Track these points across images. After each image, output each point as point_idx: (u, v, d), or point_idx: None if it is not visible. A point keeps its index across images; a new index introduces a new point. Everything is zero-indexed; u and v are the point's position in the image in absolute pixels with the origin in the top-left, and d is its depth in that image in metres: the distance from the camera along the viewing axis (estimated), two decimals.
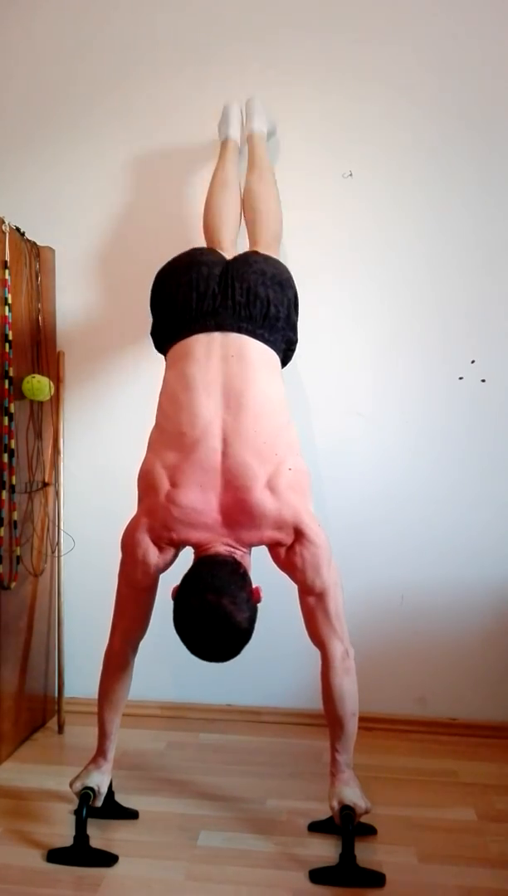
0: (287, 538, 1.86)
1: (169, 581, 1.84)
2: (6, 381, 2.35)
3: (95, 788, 1.96)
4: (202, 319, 1.99)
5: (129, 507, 1.95)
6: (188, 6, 2.66)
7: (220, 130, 2.56)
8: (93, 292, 2.75)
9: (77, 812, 1.93)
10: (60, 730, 2.64)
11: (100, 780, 1.98)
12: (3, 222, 2.36)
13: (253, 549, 1.92)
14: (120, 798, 2.10)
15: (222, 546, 1.86)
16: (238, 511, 1.85)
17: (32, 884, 1.81)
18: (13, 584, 2.39)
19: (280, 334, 2.04)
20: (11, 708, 2.46)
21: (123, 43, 2.69)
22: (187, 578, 1.79)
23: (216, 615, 1.71)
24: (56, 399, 2.65)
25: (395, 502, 2.63)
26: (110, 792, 2.06)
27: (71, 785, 1.99)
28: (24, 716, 2.54)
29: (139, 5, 2.68)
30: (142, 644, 2.02)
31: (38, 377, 2.47)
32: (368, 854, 1.88)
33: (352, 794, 1.89)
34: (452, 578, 2.62)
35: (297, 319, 2.12)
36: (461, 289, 2.58)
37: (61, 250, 2.72)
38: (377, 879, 1.81)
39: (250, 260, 2.11)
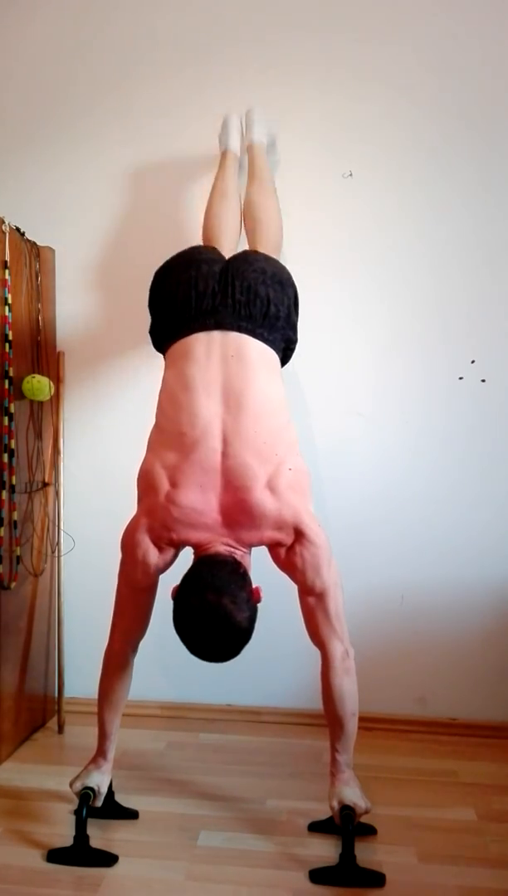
0: (287, 538, 1.86)
1: (169, 581, 1.84)
2: (6, 381, 2.35)
3: (95, 788, 1.96)
4: (202, 318, 1.98)
5: (129, 507, 1.95)
6: (188, 6, 2.66)
7: (220, 141, 2.56)
8: (93, 292, 2.75)
9: (77, 812, 1.93)
10: (60, 730, 2.64)
11: (100, 780, 1.98)
12: (3, 222, 2.36)
13: (253, 549, 1.92)
14: (120, 798, 2.10)
15: (221, 546, 1.86)
16: (238, 511, 1.85)
17: (32, 884, 1.81)
18: (13, 584, 2.39)
19: (280, 333, 2.03)
20: (11, 708, 2.46)
21: (124, 43, 2.69)
22: (187, 578, 1.79)
23: (217, 615, 1.71)
24: (56, 399, 2.65)
25: (395, 502, 2.63)
26: (110, 792, 2.06)
27: (71, 785, 1.99)
28: (24, 716, 2.54)
29: (139, 6, 2.68)
30: (142, 644, 2.01)
31: (38, 377, 2.48)
32: (368, 854, 1.88)
33: (352, 794, 1.89)
34: (452, 578, 2.62)
35: (297, 319, 2.12)
36: (461, 289, 2.58)
37: (61, 250, 2.72)
38: (377, 879, 1.81)
39: (250, 258, 2.10)
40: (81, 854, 1.88)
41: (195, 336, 1.97)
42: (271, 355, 2.02)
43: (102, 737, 2.01)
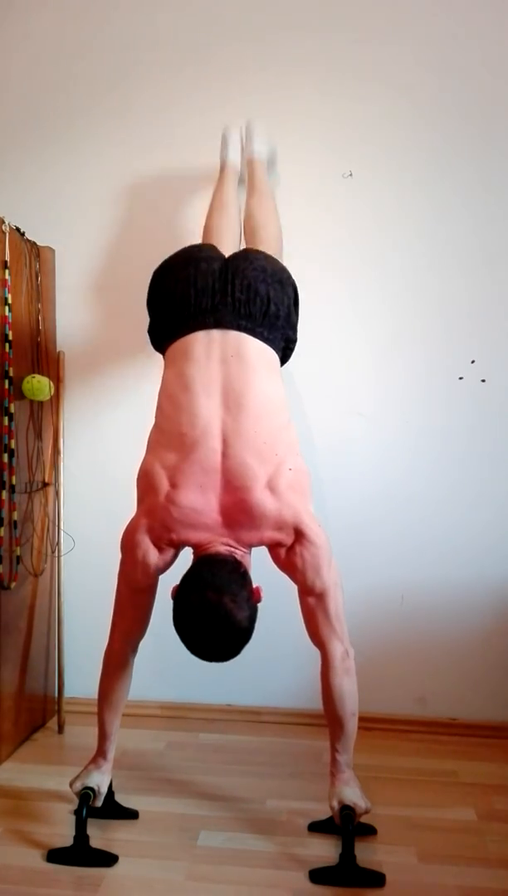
0: (287, 539, 1.86)
1: (169, 581, 1.84)
2: (6, 381, 2.35)
3: (95, 788, 1.96)
4: (201, 316, 1.96)
5: (129, 507, 1.95)
6: (188, 6, 2.66)
7: (219, 155, 2.53)
8: (93, 292, 2.75)
9: (77, 812, 1.93)
10: (60, 730, 2.64)
11: (100, 780, 1.98)
12: (3, 222, 2.36)
13: (253, 549, 1.92)
14: (120, 798, 2.10)
15: (222, 546, 1.85)
16: (238, 511, 1.85)
17: (32, 884, 1.81)
18: (13, 584, 2.39)
19: (280, 332, 2.02)
20: (11, 708, 2.46)
21: (123, 43, 2.69)
22: (187, 577, 1.79)
23: (217, 614, 1.71)
24: (56, 399, 2.65)
25: (395, 502, 2.63)
26: (110, 792, 2.06)
27: (71, 785, 1.99)
28: (24, 716, 2.54)
29: (139, 5, 2.68)
30: (142, 644, 2.01)
31: (38, 377, 2.47)
32: (368, 854, 1.88)
33: (352, 794, 1.89)
34: (452, 578, 2.62)
35: (297, 319, 2.11)
36: (461, 289, 2.58)
37: (61, 250, 2.72)
38: (377, 879, 1.81)
39: (250, 257, 2.09)
40: (81, 854, 1.88)
41: (195, 335, 1.96)
42: (271, 355, 2.01)
43: (102, 737, 2.01)
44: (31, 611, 2.58)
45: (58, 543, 2.66)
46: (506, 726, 2.59)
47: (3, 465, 2.34)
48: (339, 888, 1.79)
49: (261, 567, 1.89)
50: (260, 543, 1.88)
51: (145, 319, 2.13)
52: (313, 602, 1.89)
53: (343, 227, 2.61)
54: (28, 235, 2.52)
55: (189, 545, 1.90)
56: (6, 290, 2.35)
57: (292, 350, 2.12)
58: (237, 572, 1.79)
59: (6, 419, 2.35)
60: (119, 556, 1.94)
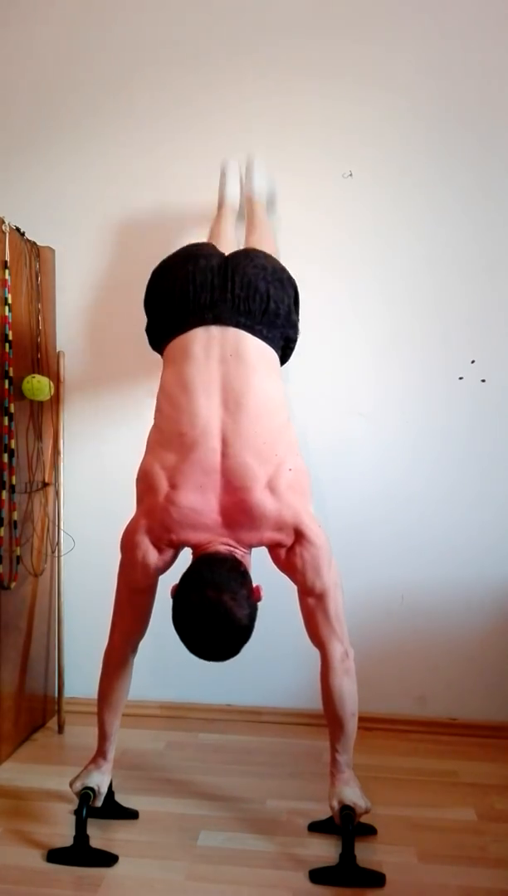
0: (287, 539, 1.86)
1: (169, 581, 1.84)
2: (6, 381, 2.35)
3: (95, 788, 1.96)
4: (200, 312, 1.95)
5: (129, 507, 1.95)
6: (190, 10, 2.66)
7: (218, 191, 2.50)
8: (93, 292, 2.75)
9: (77, 812, 1.93)
10: (60, 730, 2.64)
11: (100, 780, 1.98)
12: (4, 222, 2.36)
13: (253, 549, 1.92)
14: (120, 798, 2.10)
15: (221, 545, 1.85)
16: (238, 511, 1.84)
17: (32, 884, 1.81)
18: (13, 584, 2.39)
19: (279, 331, 2.01)
20: (11, 708, 2.46)
21: (125, 46, 2.69)
22: (187, 576, 1.78)
23: (216, 612, 1.70)
24: (56, 399, 2.65)
25: (395, 502, 2.63)
26: (110, 792, 2.06)
27: (71, 785, 1.99)
28: (24, 716, 2.54)
29: (141, 10, 2.68)
30: (142, 644, 2.01)
31: (38, 377, 2.47)
32: (368, 854, 1.88)
33: (352, 793, 1.89)
34: (452, 578, 2.62)
35: (298, 318, 2.10)
36: (461, 289, 2.58)
37: (61, 250, 2.73)
38: (377, 879, 1.81)
39: (250, 255, 2.08)
40: (81, 854, 1.88)
41: (194, 332, 1.95)
42: (271, 354, 2.00)
43: (102, 737, 2.01)
44: (31, 611, 2.58)
45: (58, 543, 2.66)
46: (506, 726, 2.59)
47: (3, 465, 2.34)
48: (339, 888, 1.79)
49: (261, 567, 1.89)
50: (260, 544, 1.88)
51: (145, 319, 2.13)
52: (312, 602, 1.89)
53: (344, 229, 2.61)
54: (28, 235, 2.52)
55: (189, 546, 1.89)
56: (6, 290, 2.35)
57: (292, 350, 2.11)
58: (237, 571, 1.79)
59: (6, 419, 2.35)
60: (119, 556, 1.94)
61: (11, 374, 2.37)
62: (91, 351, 2.74)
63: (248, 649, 1.77)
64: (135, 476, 1.95)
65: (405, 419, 2.62)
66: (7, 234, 2.36)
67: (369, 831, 1.98)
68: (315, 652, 1.92)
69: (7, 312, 2.35)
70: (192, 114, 2.66)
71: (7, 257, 2.36)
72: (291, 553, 1.86)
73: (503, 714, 2.61)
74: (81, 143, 2.72)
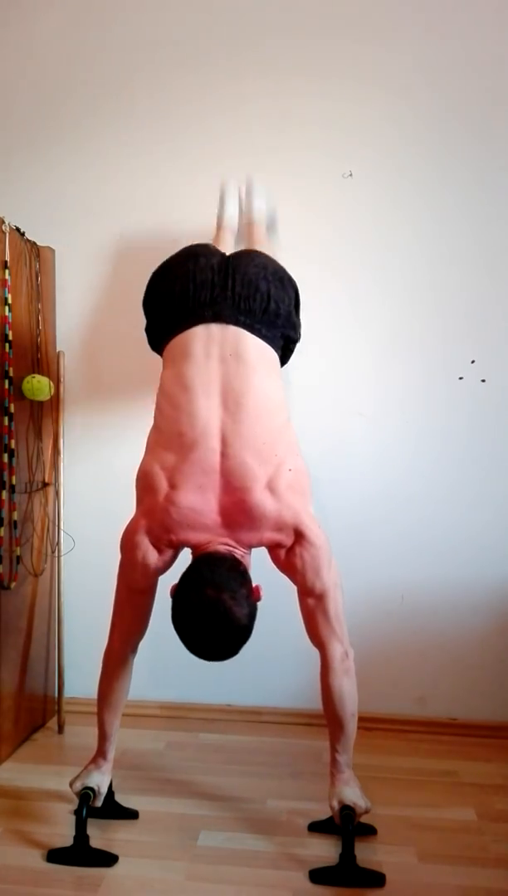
0: (287, 539, 1.85)
1: (168, 581, 1.84)
2: (6, 381, 2.35)
3: (95, 788, 1.96)
4: (200, 310, 1.94)
5: (129, 507, 1.95)
6: (190, 10, 2.65)
7: (217, 213, 2.47)
8: (93, 292, 2.75)
9: (77, 812, 1.93)
10: (60, 730, 2.64)
11: (100, 780, 1.98)
12: (4, 222, 2.36)
13: (253, 549, 1.92)
14: (120, 798, 2.10)
15: (221, 545, 1.85)
16: (238, 512, 1.84)
17: (32, 884, 1.81)
18: (13, 584, 2.39)
19: (279, 331, 2.01)
20: (11, 708, 2.46)
21: (125, 46, 2.69)
22: (186, 575, 1.78)
23: (216, 611, 1.70)
24: (56, 399, 2.65)
25: (395, 502, 2.63)
26: (110, 792, 2.06)
27: (71, 785, 1.99)
28: (24, 716, 2.54)
29: (141, 10, 2.68)
30: (142, 644, 2.01)
31: (38, 377, 2.47)
32: (368, 854, 1.88)
33: (352, 793, 1.89)
34: (452, 578, 2.62)
35: (299, 319, 2.10)
36: (460, 289, 2.58)
37: (61, 250, 2.72)
38: (377, 879, 1.81)
39: (251, 254, 2.08)
40: (81, 854, 1.88)
41: (193, 331, 1.94)
42: (271, 354, 2.00)
43: (102, 737, 2.01)
44: (31, 611, 2.58)
45: (58, 543, 2.66)
46: (506, 726, 2.59)
47: (3, 465, 2.34)
48: (339, 888, 1.79)
49: (261, 567, 1.89)
50: (260, 544, 1.88)
51: (145, 319, 2.12)
52: (312, 603, 1.89)
53: (343, 229, 2.61)
54: (28, 235, 2.52)
55: (188, 546, 1.89)
56: (6, 290, 2.35)
57: (292, 350, 2.11)
58: (237, 570, 1.79)
59: (6, 419, 2.35)
60: (119, 556, 1.94)
61: (11, 374, 2.37)
62: (91, 351, 2.74)
63: (248, 649, 1.77)
64: (135, 476, 1.95)
65: (405, 419, 2.62)
66: (7, 234, 2.36)
67: (369, 831, 1.98)
68: (315, 652, 1.92)
69: (7, 312, 2.35)
70: (192, 114, 2.66)
71: (7, 257, 2.36)
72: (290, 553, 1.86)
73: (503, 714, 2.61)
74: (81, 143, 2.72)
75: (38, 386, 2.46)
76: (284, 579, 1.90)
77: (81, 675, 2.55)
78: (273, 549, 1.88)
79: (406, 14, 2.56)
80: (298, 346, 2.12)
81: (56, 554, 2.66)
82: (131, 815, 2.08)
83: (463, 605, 2.62)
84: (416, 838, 1.98)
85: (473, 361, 2.59)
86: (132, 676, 2.02)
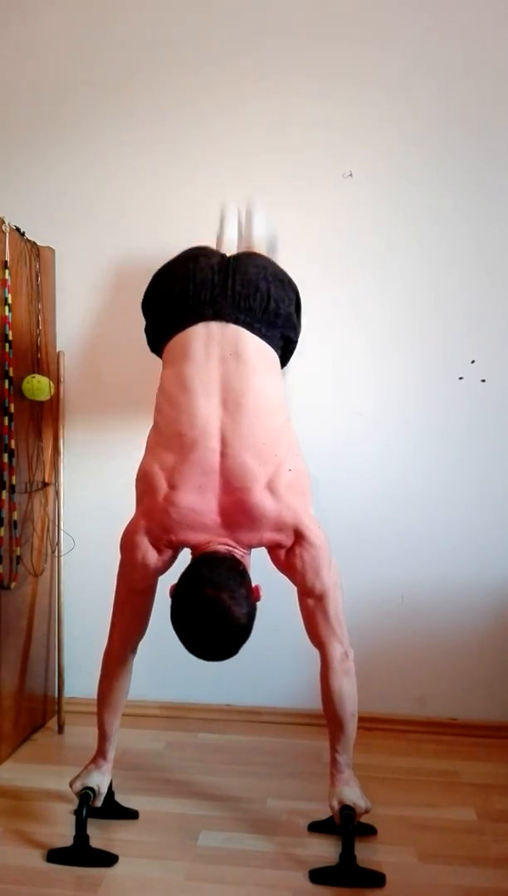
0: (287, 540, 1.85)
1: (168, 581, 1.84)
2: (6, 381, 2.35)
3: (95, 788, 1.96)
4: (200, 308, 1.94)
5: (129, 507, 1.95)
6: (190, 10, 2.65)
7: (216, 234, 2.39)
8: (93, 292, 2.75)
9: (77, 812, 1.93)
10: (60, 730, 2.64)
11: (100, 780, 1.98)
12: (4, 222, 2.36)
13: (253, 549, 1.92)
14: (120, 798, 2.10)
15: (221, 545, 1.85)
16: (238, 512, 1.84)
17: (32, 884, 1.81)
18: (13, 584, 2.39)
19: (279, 331, 2.01)
20: (11, 708, 2.46)
21: (125, 46, 2.69)
22: (186, 575, 1.78)
23: (215, 610, 1.70)
24: (56, 399, 2.65)
25: (395, 502, 2.63)
26: (110, 792, 2.06)
27: (71, 785, 1.99)
28: (24, 716, 2.54)
29: (141, 10, 2.68)
30: (142, 644, 2.01)
31: (38, 377, 2.47)
32: (368, 854, 1.88)
33: (352, 793, 1.89)
34: (452, 578, 2.62)
35: (299, 320, 2.10)
36: (460, 289, 2.58)
37: (61, 250, 2.72)
38: (377, 879, 1.81)
39: (252, 255, 2.08)
40: (81, 854, 1.88)
41: (193, 330, 1.94)
42: (271, 354, 2.00)
43: (102, 737, 2.01)
44: (31, 611, 2.58)
45: (58, 543, 2.66)
46: (506, 726, 2.59)
47: (3, 465, 2.34)
48: (339, 888, 1.79)
49: (261, 567, 1.89)
50: (259, 544, 1.88)
51: (144, 320, 2.12)
52: (312, 603, 1.89)
53: (343, 229, 2.61)
54: (28, 235, 2.52)
55: (188, 546, 1.89)
56: (6, 290, 2.35)
57: (292, 351, 2.11)
58: (236, 570, 1.78)
59: (6, 419, 2.35)
60: (119, 556, 1.94)
61: (11, 374, 2.37)
62: (91, 351, 2.74)
63: (248, 649, 1.77)
64: (134, 476, 1.95)
65: (405, 419, 2.62)
66: (7, 234, 2.36)
67: (369, 831, 1.98)
68: (315, 652, 1.92)
69: (7, 312, 2.35)
70: (192, 114, 2.66)
71: (7, 257, 2.36)
72: (290, 554, 1.86)
73: (503, 714, 2.61)
74: (81, 143, 2.72)
75: (38, 386, 2.46)
76: (284, 579, 1.90)
77: (80, 675, 2.55)
78: (273, 549, 1.88)
79: (406, 14, 2.56)
80: (298, 346, 2.12)
81: (56, 554, 2.66)
82: (131, 815, 2.08)
83: (463, 605, 2.62)
84: (416, 838, 1.98)
85: (473, 361, 2.59)
86: (132, 676, 2.02)
